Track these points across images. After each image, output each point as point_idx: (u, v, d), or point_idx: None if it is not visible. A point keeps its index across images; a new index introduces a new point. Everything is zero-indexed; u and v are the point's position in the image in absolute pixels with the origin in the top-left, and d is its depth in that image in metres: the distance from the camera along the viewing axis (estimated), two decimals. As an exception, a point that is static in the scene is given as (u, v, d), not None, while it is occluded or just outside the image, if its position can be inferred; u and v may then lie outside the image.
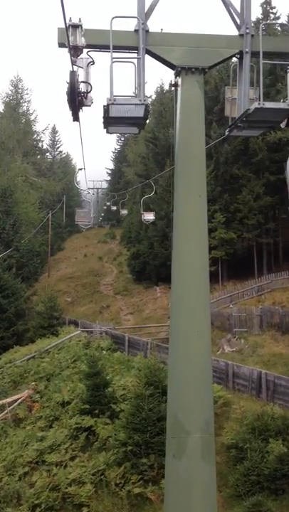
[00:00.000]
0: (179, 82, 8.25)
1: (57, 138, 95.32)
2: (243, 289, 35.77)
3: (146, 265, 47.28)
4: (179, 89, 8.28)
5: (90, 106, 8.16)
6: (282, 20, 46.21)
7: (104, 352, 26.10)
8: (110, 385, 20.10)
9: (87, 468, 16.35)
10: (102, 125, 8.49)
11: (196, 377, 8.01)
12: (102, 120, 8.15)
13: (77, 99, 7.66)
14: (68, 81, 7.40)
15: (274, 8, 47.55)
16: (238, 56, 8.38)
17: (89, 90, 7.77)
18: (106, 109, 7.61)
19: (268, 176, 39.65)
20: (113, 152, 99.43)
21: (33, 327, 31.43)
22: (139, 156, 60.18)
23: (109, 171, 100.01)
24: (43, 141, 78.31)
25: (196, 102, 8.18)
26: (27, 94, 50.85)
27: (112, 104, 7.38)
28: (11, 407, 21.54)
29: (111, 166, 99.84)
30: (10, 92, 48.17)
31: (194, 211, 8.19)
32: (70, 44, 7.66)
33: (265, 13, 46.64)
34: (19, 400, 21.95)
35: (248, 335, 29.22)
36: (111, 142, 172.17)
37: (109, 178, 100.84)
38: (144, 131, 65.89)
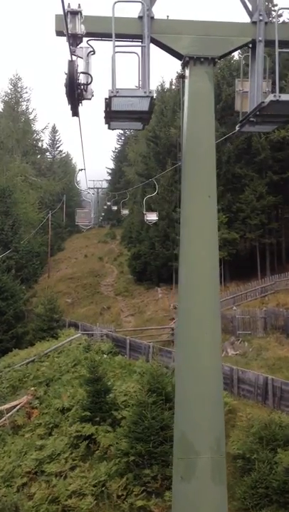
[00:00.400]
0: (187, 74, 7.63)
1: (57, 137, 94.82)
2: (246, 290, 35.15)
3: (147, 266, 46.69)
4: (187, 81, 7.67)
5: (90, 99, 7.54)
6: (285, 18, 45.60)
7: (105, 356, 25.49)
8: (111, 391, 19.48)
9: (87, 479, 15.73)
10: (104, 120, 7.88)
11: (206, 393, 7.41)
12: (104, 115, 7.55)
13: (76, 92, 7.05)
14: (67, 71, 6.79)
15: (276, 5, 46.94)
16: (251, 45, 7.76)
17: (89, 82, 7.16)
18: (108, 103, 7.00)
19: (271, 175, 39.05)
20: (113, 151, 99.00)
21: (33, 330, 30.80)
22: (140, 155, 59.55)
23: (110, 171, 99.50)
24: (42, 140, 77.79)
25: (206, 94, 7.55)
26: (26, 92, 50.46)
27: (115, 96, 6.76)
28: (10, 414, 20.93)
29: (111, 165, 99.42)
30: (9, 91, 47.86)
31: (203, 212, 7.57)
32: (69, 32, 7.05)
33: (267, 11, 46.01)
34: (18, 407, 21.33)
35: (251, 338, 28.60)
36: (111, 141, 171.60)
37: (109, 177, 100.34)
38: (145, 130, 65.24)
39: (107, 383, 19.18)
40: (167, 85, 65.32)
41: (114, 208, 59.31)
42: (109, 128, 8.16)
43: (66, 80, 6.81)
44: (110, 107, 7.04)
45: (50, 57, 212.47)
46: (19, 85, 44.12)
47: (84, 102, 7.66)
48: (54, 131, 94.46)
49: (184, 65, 7.70)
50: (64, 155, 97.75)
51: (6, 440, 19.66)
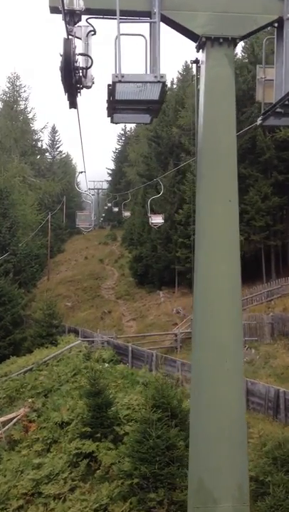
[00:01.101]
0: (203, 58, 6.54)
1: (56, 137, 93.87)
2: (251, 294, 34.06)
3: (148, 268, 45.67)
4: (203, 66, 6.57)
5: (90, 87, 6.44)
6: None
7: (106, 364, 24.39)
8: (113, 405, 18.36)
9: (88, 502, 14.57)
10: (106, 113, 6.80)
11: (227, 430, 6.31)
12: (106, 105, 6.45)
13: (74, 77, 5.95)
14: (62, 52, 5.69)
15: None
16: (277, 24, 6.66)
17: (89, 65, 6.06)
18: (111, 90, 5.90)
19: (276, 176, 38.01)
20: (114, 152, 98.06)
21: (31, 336, 29.68)
22: (141, 156, 58.52)
23: (110, 171, 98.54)
24: (42, 140, 76.73)
25: (226, 81, 6.44)
26: (24, 91, 49.33)
27: (120, 82, 5.66)
28: (6, 428, 19.82)
29: (112, 166, 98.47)
30: (7, 90, 46.72)
31: (223, 220, 6.44)
32: (65, 8, 5.96)
33: None
34: (14, 420, 20.22)
35: (258, 344, 27.56)
36: (112, 142, 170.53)
37: (109, 178, 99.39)
38: (146, 130, 64.22)
39: (109, 396, 18.05)
40: (168, 84, 64.28)
41: (115, 209, 58.20)
42: (112, 121, 7.07)
43: (62, 62, 5.70)
44: (114, 96, 5.95)
45: (50, 55, 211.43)
46: (17, 83, 43.08)
47: (83, 91, 6.58)
48: (54, 131, 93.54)
49: (200, 47, 6.61)
50: (64, 155, 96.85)
51: (1, 456, 18.53)
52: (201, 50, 6.64)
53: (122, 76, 5.61)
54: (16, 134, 38.98)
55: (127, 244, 65.83)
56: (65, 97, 6.61)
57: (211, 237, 6.48)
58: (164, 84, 5.77)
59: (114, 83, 5.68)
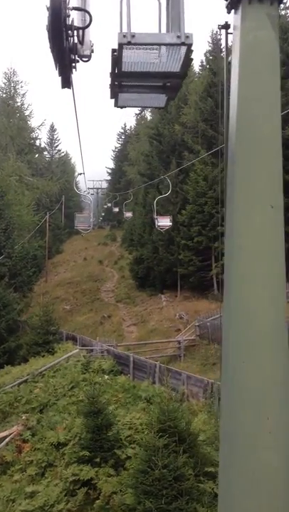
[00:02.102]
0: (237, 20, 4.96)
1: (55, 136, 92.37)
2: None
3: (150, 271, 44.11)
4: (237, 31, 5.00)
5: (88, 58, 4.85)
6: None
7: (105, 376, 22.84)
8: (114, 425, 16.82)
9: (86, 539, 13.06)
10: (109, 93, 5.24)
11: (271, 472, 4.73)
12: (109, 81, 4.89)
13: (66, 41, 4.38)
14: (49, 4, 4.13)
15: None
16: None
17: (87, 24, 4.48)
18: (116, 57, 4.32)
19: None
20: (113, 151, 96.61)
21: (27, 344, 28.08)
22: (142, 154, 56.95)
23: (110, 170, 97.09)
24: (40, 138, 75.13)
25: (268, 48, 4.80)
26: (21, 87, 47.72)
27: (129, 44, 4.09)
28: (-3, 448, 18.28)
29: (111, 165, 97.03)
30: (3, 86, 45.00)
31: (264, 231, 4.82)
32: None
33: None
34: (7, 439, 18.67)
35: None
36: (111, 140, 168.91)
37: (109, 177, 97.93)
38: (147, 128, 62.67)
39: (109, 416, 16.50)
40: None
41: (116, 209, 56.58)
42: (116, 105, 5.50)
43: (48, 18, 4.12)
44: (120, 66, 4.38)
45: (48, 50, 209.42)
46: (14, 79, 41.49)
47: (79, 65, 5.02)
48: (52, 129, 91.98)
49: (232, 7, 5.00)
50: (63, 154, 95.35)
51: (-8, 481, 16.99)
52: (233, 11, 5.04)
53: (133, 36, 4.03)
54: (12, 132, 37.41)
55: (127, 245, 64.33)
56: (57, 72, 5.05)
57: (247, 255, 4.85)
58: (189, 48, 4.20)
59: (120, 46, 4.10)
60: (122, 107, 5.76)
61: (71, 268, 62.48)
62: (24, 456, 17.84)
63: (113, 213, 67.83)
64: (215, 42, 46.65)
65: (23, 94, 42.05)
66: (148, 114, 77.70)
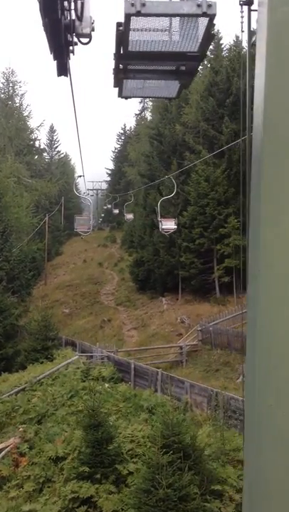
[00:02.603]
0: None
1: (55, 137, 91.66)
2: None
3: (150, 273, 43.33)
4: (263, 8, 4.26)
5: (88, 39, 4.08)
6: None
7: (106, 385, 22.06)
8: (115, 438, 16.04)
9: None
10: (112, 80, 4.48)
11: None
12: (113, 64, 4.12)
13: (60, 15, 3.62)
14: None
15: None
16: None
17: (87, -7, 3.72)
18: (122, 33, 3.53)
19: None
20: (113, 152, 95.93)
21: (25, 350, 27.26)
22: (142, 155, 56.19)
23: (109, 171, 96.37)
24: (39, 139, 74.38)
25: None
26: (20, 87, 46.92)
27: (138, 14, 3.31)
28: (-7, 461, 17.48)
29: (111, 166, 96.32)
30: (1, 86, 44.22)
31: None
32: None
33: None
34: (3, 452, 17.87)
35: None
36: (111, 141, 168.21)
37: (109, 178, 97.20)
38: (148, 128, 61.91)
39: (110, 430, 15.73)
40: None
41: (116, 211, 55.75)
42: (120, 95, 4.75)
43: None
44: (126, 44, 3.61)
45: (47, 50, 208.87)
46: (12, 79, 40.71)
47: (76, 51, 4.26)
48: (52, 130, 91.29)
49: None
50: (62, 155, 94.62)
51: (-13, 497, 16.20)
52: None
53: (143, 4, 3.25)
54: (10, 132, 36.62)
55: (127, 247, 63.59)
56: (51, 57, 4.29)
57: (278, 272, 4.05)
58: (211, 20, 3.41)
59: (128, 18, 3.31)
60: (127, 98, 5.00)
61: (71, 270, 61.72)
62: (21, 470, 17.06)
63: (113, 214, 67.14)
64: (216, 40, 45.92)
65: (22, 95, 41.34)
66: (148, 115, 77.13)
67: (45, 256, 60.72)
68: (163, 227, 20.76)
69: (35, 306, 43.86)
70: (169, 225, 21.00)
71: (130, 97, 5.02)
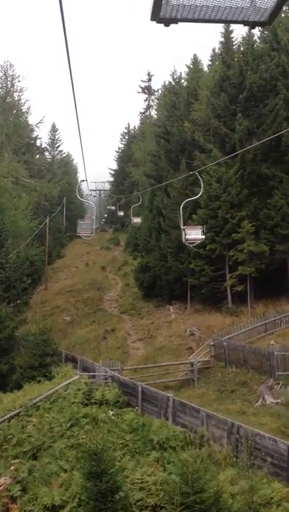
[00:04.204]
0: None
1: (57, 136, 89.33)
2: (279, 315, 29.09)
3: (156, 280, 40.82)
4: None
5: None
6: None
7: (110, 412, 19.55)
8: (123, 484, 13.54)
9: None
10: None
11: None
12: None
13: None
14: None
15: None
16: None
17: None
18: None
19: None
20: (117, 151, 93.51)
21: (20, 367, 24.76)
22: (148, 154, 53.67)
23: (113, 172, 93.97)
24: (40, 138, 71.96)
25: None
26: (19, 81, 44.46)
27: None
28: (-21, 507, 15.01)
29: (114, 166, 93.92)
30: (-1, 80, 41.81)
31: None
32: None
33: None
34: (-9, 495, 15.39)
35: (295, 381, 22.72)
36: (114, 141, 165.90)
37: (112, 179, 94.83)
38: (154, 126, 59.44)
39: (117, 478, 13.22)
40: (183, 71, 59.50)
41: (121, 213, 53.18)
42: (156, 17, 2.32)
43: None
44: None
45: (47, 42, 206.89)
46: (10, 73, 38.28)
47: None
48: (54, 129, 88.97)
49: None
50: (64, 155, 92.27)
51: None
52: None
53: None
54: (8, 129, 34.16)
55: (131, 250, 61.14)
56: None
57: None
58: None
59: None
60: (168, 22, 2.56)
61: (72, 274, 59.26)
62: (11, 520, 14.60)
63: (116, 216, 64.63)
64: (227, 33, 43.40)
65: (21, 89, 38.83)
66: (154, 113, 74.58)
67: (46, 260, 58.32)
68: (187, 237, 16.01)
69: (34, 313, 41.41)
70: (194, 234, 16.28)
71: (174, 21, 2.61)
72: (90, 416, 19.04)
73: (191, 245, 16.17)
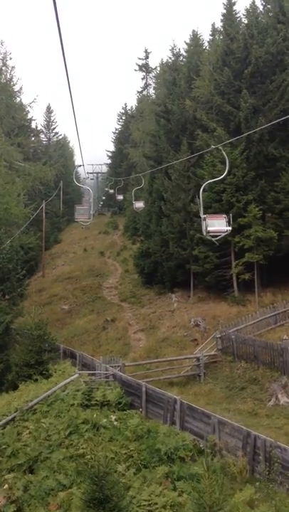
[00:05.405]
0: None
1: (52, 118, 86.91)
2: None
3: (157, 266, 39.14)
4: None
5: None
6: None
7: (112, 417, 18.01)
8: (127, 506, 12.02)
9: None
10: None
11: None
12: None
13: None
14: None
15: None
16: None
17: None
18: None
19: None
20: (114, 132, 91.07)
21: (16, 365, 23.20)
22: (147, 135, 51.45)
23: (110, 154, 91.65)
24: (35, 120, 69.59)
25: None
26: (10, 59, 42.17)
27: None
28: None
29: (111, 147, 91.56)
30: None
31: None
32: None
33: None
34: (-18, 518, 13.90)
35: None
36: (111, 121, 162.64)
37: (109, 161, 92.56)
38: (154, 104, 57.11)
39: (122, 503, 11.68)
40: (182, 47, 57.01)
41: (120, 197, 51.14)
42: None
43: None
44: None
45: (40, 18, 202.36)
46: (2, 51, 35.89)
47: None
48: (49, 111, 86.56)
49: None
50: (60, 137, 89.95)
51: None
52: None
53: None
54: (-1, 110, 32.19)
55: (130, 234, 59.37)
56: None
57: None
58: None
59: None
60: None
61: (70, 260, 57.57)
62: None
63: (114, 199, 62.69)
64: (229, 4, 41.00)
65: (12, 67, 36.62)
66: (152, 92, 72.03)
67: (43, 245, 56.54)
68: (209, 228, 13.02)
69: (32, 302, 39.79)
70: (218, 225, 13.03)
71: None
72: (90, 422, 17.54)
73: (213, 238, 13.45)
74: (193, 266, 34.13)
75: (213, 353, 25.60)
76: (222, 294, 32.42)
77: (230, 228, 12.98)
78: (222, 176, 14.61)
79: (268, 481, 13.46)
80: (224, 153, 14.33)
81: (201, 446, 16.16)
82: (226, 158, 14.18)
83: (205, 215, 13.04)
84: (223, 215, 13.42)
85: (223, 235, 13.22)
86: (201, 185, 33.32)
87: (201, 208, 13.00)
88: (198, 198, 13.13)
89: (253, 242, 29.75)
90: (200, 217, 34.68)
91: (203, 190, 33.61)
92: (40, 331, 23.91)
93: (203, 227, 12.94)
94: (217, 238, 13.43)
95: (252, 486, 13.32)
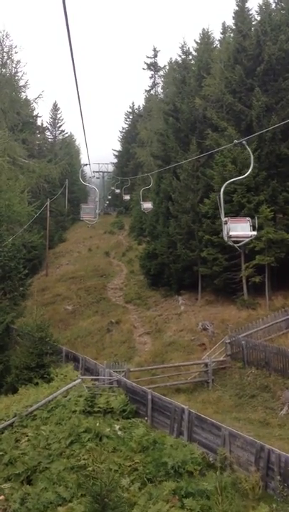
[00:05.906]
0: None
1: (58, 115, 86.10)
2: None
3: (164, 268, 38.17)
4: None
5: None
6: None
7: (116, 427, 17.07)
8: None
9: None
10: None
11: None
12: None
13: None
14: None
15: None
16: None
17: None
18: None
19: None
20: (121, 132, 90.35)
21: (16, 367, 22.33)
22: (155, 134, 50.53)
23: (116, 153, 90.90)
24: (41, 117, 68.76)
25: None
26: (16, 53, 41.16)
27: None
28: None
29: (118, 147, 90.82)
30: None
31: None
32: None
33: None
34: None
35: None
36: (118, 120, 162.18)
37: (116, 160, 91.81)
38: (163, 103, 56.21)
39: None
40: (191, 46, 56.07)
41: (127, 197, 50.15)
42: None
43: None
44: None
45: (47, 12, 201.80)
46: (7, 43, 35.16)
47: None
48: (55, 108, 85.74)
49: None
50: (67, 135, 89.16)
51: None
52: None
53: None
54: (3, 104, 31.26)
55: (136, 235, 58.45)
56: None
57: None
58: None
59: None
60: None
61: (75, 260, 56.68)
62: None
63: (120, 198, 61.71)
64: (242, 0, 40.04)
65: (18, 61, 35.75)
66: (160, 91, 71.14)
67: (47, 243, 55.59)
68: (231, 233, 11.62)
69: (35, 301, 38.87)
70: (241, 229, 11.66)
71: None
72: (92, 431, 16.59)
73: (235, 244, 12.11)
74: (202, 268, 33.17)
75: (222, 358, 24.62)
76: (231, 297, 31.43)
77: (255, 233, 11.58)
78: (245, 175, 13.30)
79: (285, 502, 12.47)
80: (249, 148, 13.21)
81: (211, 459, 15.22)
82: (251, 154, 13.05)
83: (226, 218, 11.64)
84: (247, 218, 12.04)
85: (247, 240, 11.79)
86: (212, 186, 31.75)
87: (222, 211, 11.64)
88: (219, 197, 11.80)
89: (264, 243, 28.74)
90: (208, 218, 33.67)
91: (213, 191, 32.80)
92: (42, 332, 23.07)
93: (225, 232, 11.57)
94: (240, 244, 12.12)
95: (266, 505, 12.33)
